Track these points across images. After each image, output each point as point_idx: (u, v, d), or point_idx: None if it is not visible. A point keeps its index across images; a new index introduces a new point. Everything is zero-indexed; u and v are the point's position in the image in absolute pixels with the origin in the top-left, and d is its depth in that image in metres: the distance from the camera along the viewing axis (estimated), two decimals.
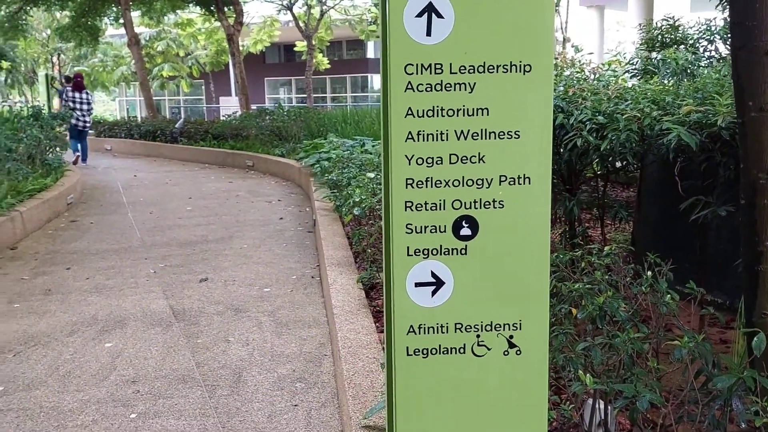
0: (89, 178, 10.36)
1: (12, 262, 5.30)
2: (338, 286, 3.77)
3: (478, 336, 1.38)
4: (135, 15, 19.79)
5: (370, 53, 38.87)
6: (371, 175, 4.34)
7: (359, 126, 11.37)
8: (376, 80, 39.01)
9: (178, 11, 21.62)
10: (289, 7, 20.60)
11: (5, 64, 23.85)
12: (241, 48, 27.49)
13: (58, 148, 8.64)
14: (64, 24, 19.98)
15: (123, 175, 10.93)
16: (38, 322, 3.89)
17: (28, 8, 17.75)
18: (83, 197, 8.55)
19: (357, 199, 3.80)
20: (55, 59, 29.74)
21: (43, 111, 9.58)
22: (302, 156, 9.30)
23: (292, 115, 11.99)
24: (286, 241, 6.08)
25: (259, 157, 11.37)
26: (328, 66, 28.12)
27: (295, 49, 26.89)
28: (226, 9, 15.15)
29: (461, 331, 1.37)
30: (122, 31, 33.16)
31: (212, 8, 18.52)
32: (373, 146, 8.09)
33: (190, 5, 19.83)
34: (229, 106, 35.71)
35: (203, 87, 40.45)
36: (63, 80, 15.43)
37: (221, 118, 21.84)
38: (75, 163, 11.82)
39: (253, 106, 35.47)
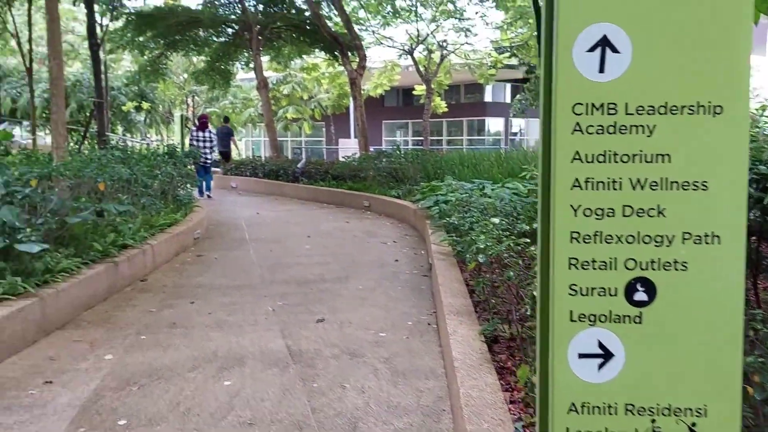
0: (215, 214, 10.85)
1: (142, 293, 5.55)
2: (458, 337, 3.59)
3: (653, 421, 1.17)
4: (264, 60, 20.94)
5: (488, 97, 38.86)
6: (495, 220, 4.16)
7: (477, 169, 11.22)
8: (492, 123, 38.83)
9: (304, 56, 22.68)
10: (410, 52, 21.01)
11: (146, 105, 25.97)
12: (362, 91, 28.44)
13: (188, 185, 9.12)
14: (200, 68, 21.48)
15: (246, 213, 11.37)
16: (163, 356, 3.99)
17: (169, 53, 19.22)
18: (209, 233, 8.93)
19: (481, 246, 3.63)
20: (189, 101, 31.99)
21: (177, 149, 10.19)
22: (419, 198, 9.25)
23: (409, 158, 12.06)
24: (401, 284, 5.99)
25: (375, 198, 11.47)
26: (446, 109, 28.31)
27: (414, 92, 27.32)
28: (350, 54, 15.65)
29: (633, 414, 1.17)
30: (252, 75, 35.24)
31: (336, 53, 19.28)
32: (492, 190, 7.89)
33: (316, 51, 20.75)
34: (348, 147, 36.81)
35: (324, 129, 42.05)
36: (195, 121, 16.97)
37: (340, 159, 22.51)
38: (200, 196, 12.86)
39: (371, 148, 36.38)
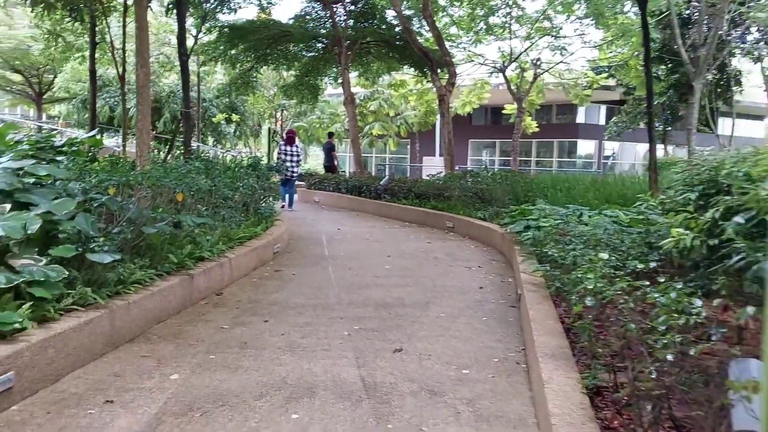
0: (296, 228, 10.78)
1: (216, 308, 5.42)
2: (555, 387, 3.18)
3: None
4: (352, 75, 21.04)
5: (581, 118, 37.70)
6: (604, 255, 3.71)
7: (570, 193, 10.65)
8: (583, 146, 37.59)
9: (392, 73, 22.66)
10: (502, 70, 20.57)
11: (235, 117, 26.66)
12: (450, 109, 28.16)
13: (270, 198, 9.06)
14: (289, 82, 21.83)
15: (327, 228, 11.26)
16: (230, 379, 3.78)
17: (259, 66, 19.61)
18: (289, 247, 8.82)
19: (590, 286, 3.22)
20: (278, 115, 32.71)
21: (262, 161, 10.20)
22: (507, 221, 8.82)
23: (498, 178, 11.61)
24: (486, 314, 5.60)
25: (460, 219, 11.09)
26: (536, 129, 27.61)
27: (504, 111, 26.80)
28: (439, 70, 15.41)
29: None
30: (339, 90, 35.73)
31: (426, 70, 19.09)
32: (590, 217, 7.37)
33: (405, 67, 20.66)
34: (432, 165, 36.57)
35: (408, 146, 42.04)
36: (283, 135, 17.49)
37: (424, 177, 22.28)
38: (282, 208, 13.33)
39: (457, 167, 36.02)
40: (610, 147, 38.74)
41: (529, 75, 21.60)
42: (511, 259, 7.93)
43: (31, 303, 3.55)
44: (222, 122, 27.00)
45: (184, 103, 8.65)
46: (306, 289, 6.31)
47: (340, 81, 20.03)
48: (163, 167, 6.58)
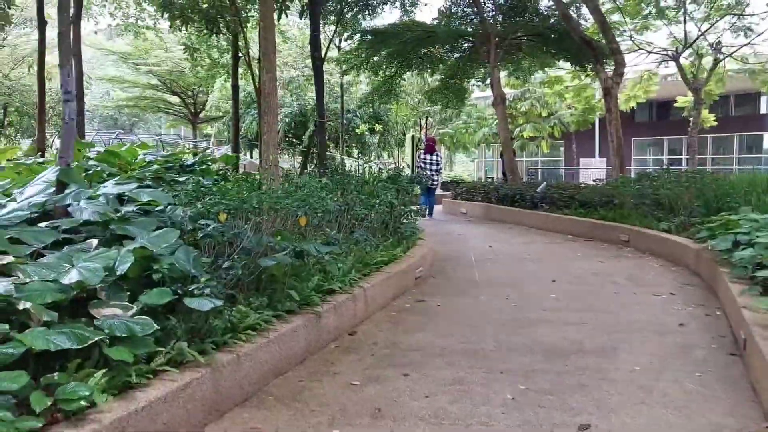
0: (441, 246, 9.83)
1: (346, 355, 4.55)
2: None
3: None
4: (502, 75, 19.79)
5: (764, 108, 33.46)
6: None
7: None
8: None
9: (546, 70, 21.13)
10: (675, 58, 18.34)
11: (378, 127, 26.27)
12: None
13: (412, 214, 8.18)
14: (434, 87, 21.00)
15: (476, 245, 10.19)
16: None
17: (402, 72, 18.95)
18: (433, 269, 7.87)
19: None
20: (422, 122, 32.05)
21: (403, 173, 9.38)
22: (705, 235, 7.26)
23: (683, 181, 9.90)
24: (698, 366, 4.27)
25: (636, 232, 9.56)
26: (714, 123, 24.63)
27: (676, 104, 24.18)
28: (604, 61, 13.79)
29: None
30: (487, 93, 34.43)
31: (586, 63, 17.44)
32: None
33: (560, 62, 19.10)
34: (591, 168, 34.14)
35: (562, 148, 39.72)
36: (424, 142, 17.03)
37: (582, 181, 20.46)
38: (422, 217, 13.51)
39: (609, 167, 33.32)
40: None
41: (706, 62, 19.13)
42: (715, 285, 6.43)
43: (106, 369, 2.85)
44: (366, 133, 26.73)
45: (318, 113, 8.01)
46: (455, 327, 5.29)
47: (488, 82, 18.89)
48: (289, 185, 5.88)
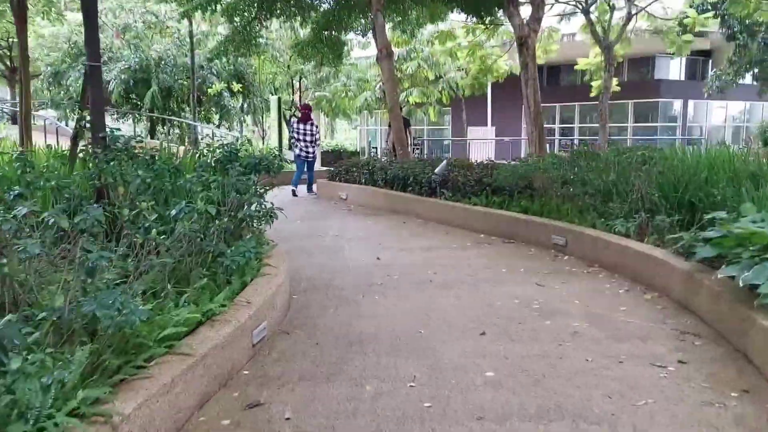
0: (307, 259, 7.05)
1: None
2: None
3: None
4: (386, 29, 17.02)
5: (660, 73, 32.96)
6: None
7: None
8: (665, 107, 32.95)
9: (438, 23, 18.60)
10: (585, 10, 16.31)
11: (237, 87, 22.75)
12: (503, 70, 23.87)
13: (255, 222, 5.33)
14: (305, 39, 17.94)
15: (359, 254, 7.45)
16: None
17: (264, 18, 15.75)
18: (289, 315, 5.06)
19: None
20: (296, 83, 28.81)
21: (249, 149, 6.48)
22: (710, 254, 4.89)
23: (634, 161, 7.59)
24: None
25: (575, 233, 7.22)
26: (618, 88, 23.17)
27: (577, 67, 22.48)
28: (511, 8, 11.33)
29: None
30: (368, 52, 31.63)
31: (483, 14, 15.06)
32: None
33: (455, 11, 16.59)
34: (480, 138, 32.35)
35: (447, 116, 37.76)
36: (298, 109, 15.90)
37: (473, 153, 18.20)
38: (294, 195, 13.50)
39: (505, 139, 31.65)
40: (700, 107, 33.92)
41: (618, 17, 17.34)
42: (743, 344, 4.08)
43: None
44: (225, 94, 23.14)
45: (87, 52, 4.92)
46: None
47: (369, 37, 16.16)
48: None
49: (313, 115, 15.04)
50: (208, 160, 5.77)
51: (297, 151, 14.03)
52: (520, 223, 8.16)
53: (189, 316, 3.62)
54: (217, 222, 4.30)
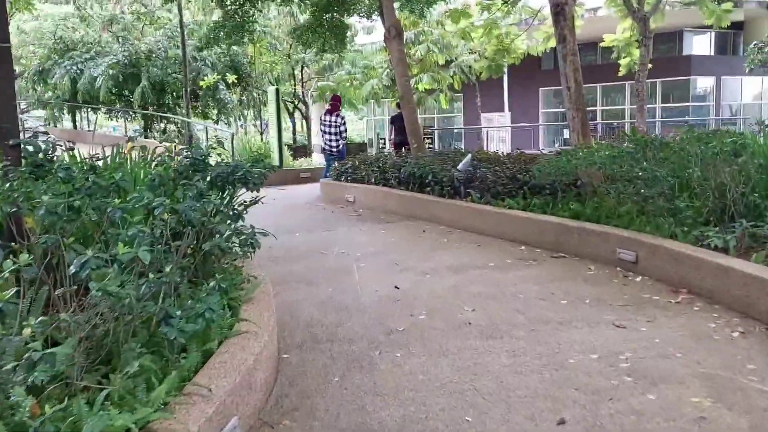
0: (304, 292, 5.56)
1: None
2: None
3: None
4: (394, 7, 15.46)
5: (690, 49, 31.07)
6: None
7: None
8: (698, 84, 31.07)
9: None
10: None
11: (231, 77, 21.14)
12: (521, 50, 22.20)
13: (235, 249, 3.87)
14: (304, 23, 16.42)
15: (373, 283, 5.87)
16: None
17: (257, 1, 14.24)
18: (273, 394, 3.56)
19: None
20: (298, 73, 27.24)
21: (221, 156, 5.01)
22: None
23: (720, 150, 6.01)
24: None
25: (648, 245, 5.68)
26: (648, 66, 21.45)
27: (603, 44, 20.74)
28: None
29: None
30: (373, 38, 30.00)
31: None
32: None
33: None
34: (494, 126, 30.68)
35: (458, 103, 36.04)
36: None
37: (486, 142, 16.58)
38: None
39: (525, 124, 29.89)
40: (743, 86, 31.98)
41: None
42: None
43: None
44: (220, 86, 21.57)
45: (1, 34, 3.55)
46: None
47: (375, 11, 14.64)
48: None
49: (327, 106, 14.20)
50: (169, 170, 4.29)
51: (322, 144, 13.76)
52: (572, 231, 6.62)
53: (141, 417, 2.16)
54: (150, 276, 2.81)
